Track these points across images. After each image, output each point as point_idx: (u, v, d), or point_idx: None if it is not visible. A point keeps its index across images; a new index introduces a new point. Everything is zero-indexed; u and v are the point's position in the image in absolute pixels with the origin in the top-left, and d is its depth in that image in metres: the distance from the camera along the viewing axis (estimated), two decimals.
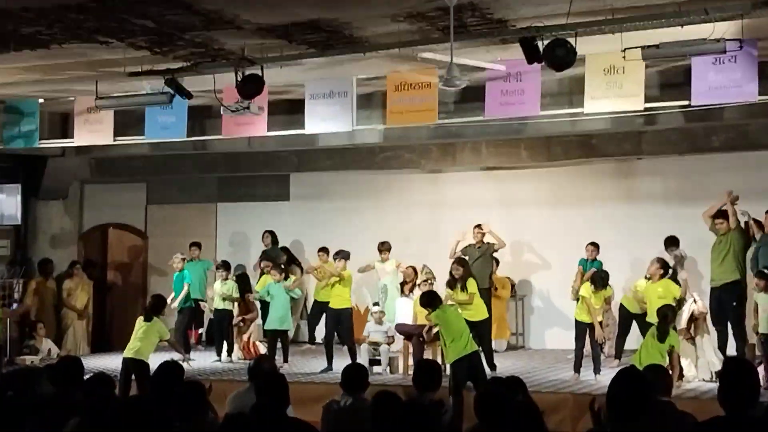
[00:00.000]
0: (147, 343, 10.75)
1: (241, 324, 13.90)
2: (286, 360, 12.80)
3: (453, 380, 9.85)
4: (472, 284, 11.87)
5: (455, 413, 7.94)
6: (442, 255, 14.44)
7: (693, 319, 11.29)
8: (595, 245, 13.28)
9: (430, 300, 10.44)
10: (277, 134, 12.62)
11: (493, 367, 11.80)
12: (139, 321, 10.90)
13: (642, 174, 14.45)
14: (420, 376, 6.90)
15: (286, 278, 13.15)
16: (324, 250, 14.16)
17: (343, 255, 12.85)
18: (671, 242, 12.77)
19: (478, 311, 11.79)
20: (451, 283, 11.91)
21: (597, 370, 11.31)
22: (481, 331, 11.73)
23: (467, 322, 10.86)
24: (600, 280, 11.55)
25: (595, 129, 12.24)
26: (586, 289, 11.51)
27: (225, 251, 16.46)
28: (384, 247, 14.26)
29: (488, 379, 9.43)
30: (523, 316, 15.05)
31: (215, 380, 11.40)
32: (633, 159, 14.19)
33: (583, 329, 11.53)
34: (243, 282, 14.21)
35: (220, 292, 13.81)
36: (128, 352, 10.77)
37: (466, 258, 12.85)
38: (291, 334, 14.15)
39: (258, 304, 13.93)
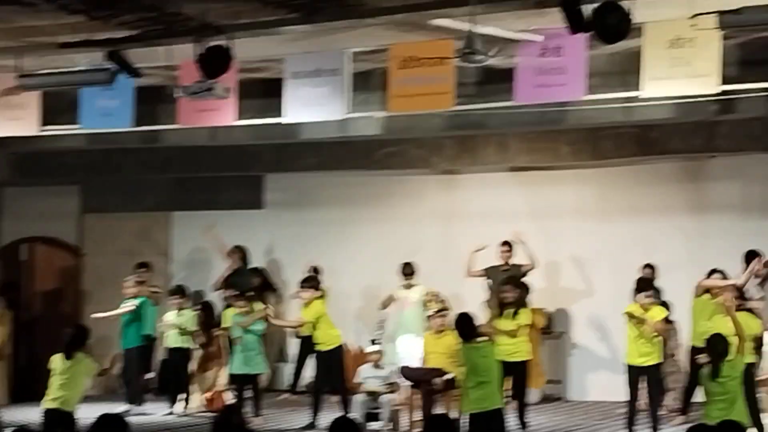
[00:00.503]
0: (74, 389, 10.67)
1: (204, 368, 13.87)
2: (257, 413, 12.72)
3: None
4: (526, 314, 12.09)
5: None
6: (457, 278, 14.40)
7: None
8: (651, 267, 13.24)
9: (466, 326, 10.32)
10: (249, 124, 12.58)
11: (523, 425, 11.74)
12: (58, 360, 10.78)
13: (715, 176, 14.42)
14: None
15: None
16: (315, 271, 14.20)
17: (310, 284, 12.75)
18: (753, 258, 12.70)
19: (521, 350, 11.97)
20: (499, 309, 12.04)
21: (655, 427, 11.23)
22: (519, 375, 11.95)
23: (504, 362, 10.99)
24: (644, 283, 11.70)
25: (656, 118, 12.19)
26: (633, 307, 11.46)
27: (182, 274, 16.42)
28: (408, 270, 14.29)
29: None
30: (561, 359, 15.00)
31: None
32: (704, 157, 14.17)
33: (636, 374, 11.43)
34: (207, 313, 14.13)
35: (173, 325, 13.72)
36: (51, 402, 10.69)
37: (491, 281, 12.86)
38: (265, 379, 14.10)
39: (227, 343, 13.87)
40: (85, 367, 10.82)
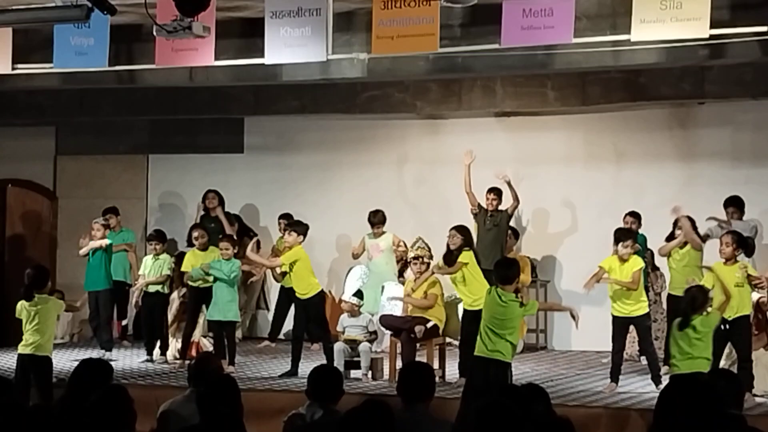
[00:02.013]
0: (46, 334, 10.74)
1: (182, 317, 13.89)
2: (231, 362, 12.79)
3: (467, 386, 9.83)
4: (466, 256, 11.79)
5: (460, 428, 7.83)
6: (443, 226, 14.43)
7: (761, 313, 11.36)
8: (636, 215, 13.34)
9: (503, 270, 10.02)
10: (228, 64, 12.52)
11: None
12: (24, 306, 10.80)
13: (705, 123, 14.48)
14: (406, 383, 6.87)
15: (238, 255, 13.14)
16: (287, 217, 14.17)
17: (296, 228, 12.66)
18: (733, 204, 12.77)
19: (475, 296, 11.56)
20: (446, 256, 12.02)
21: (656, 378, 11.35)
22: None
23: (465, 310, 11.24)
24: (621, 233, 11.72)
25: (645, 63, 12.17)
26: (611, 259, 11.54)
27: (158, 217, 16.43)
28: (377, 219, 14.30)
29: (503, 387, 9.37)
30: None
31: (143, 386, 11.44)
32: (693, 103, 14.22)
33: (621, 325, 11.53)
34: (181, 262, 14.11)
35: (151, 270, 13.72)
36: (25, 348, 10.76)
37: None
38: (242, 328, 14.16)
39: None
40: (52, 306, 10.87)
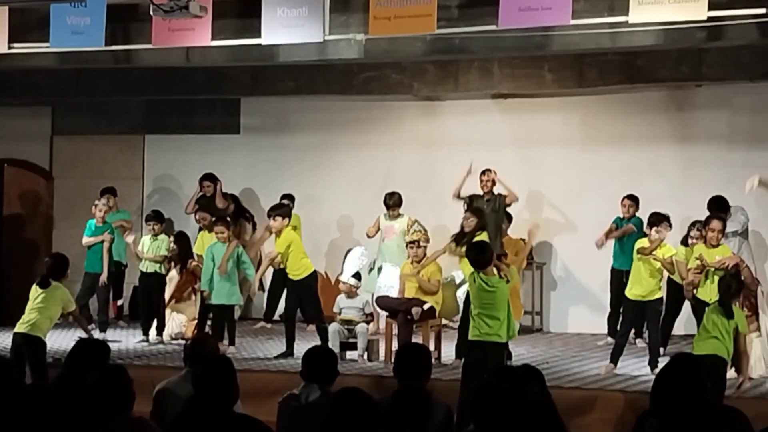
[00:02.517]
0: (45, 316, 10.74)
1: (179, 298, 13.93)
2: (232, 342, 12.82)
3: (465, 368, 9.82)
4: (483, 236, 12.02)
5: (460, 412, 7.85)
6: (436, 206, 14.46)
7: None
8: (633, 199, 13.33)
9: (479, 254, 9.98)
10: (225, 45, 12.49)
11: (509, 355, 11.83)
12: (35, 289, 10.86)
13: (702, 106, 14.48)
14: (402, 364, 6.89)
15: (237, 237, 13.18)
16: (289, 198, 14.23)
17: (279, 212, 12.59)
18: (718, 206, 12.74)
19: None
20: (459, 237, 12.15)
21: (653, 362, 11.36)
22: None
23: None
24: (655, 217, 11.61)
25: (642, 45, 12.15)
26: (645, 242, 11.51)
27: (155, 198, 16.42)
28: (393, 201, 14.27)
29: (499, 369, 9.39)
30: (541, 291, 15.12)
31: (139, 366, 11.46)
32: (691, 86, 14.21)
33: (636, 309, 11.52)
34: (182, 242, 14.12)
35: (149, 250, 13.73)
36: (20, 326, 10.78)
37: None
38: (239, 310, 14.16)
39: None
40: (61, 297, 10.86)
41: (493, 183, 13.86)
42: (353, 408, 5.28)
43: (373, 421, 5.21)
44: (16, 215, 17.17)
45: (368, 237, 14.42)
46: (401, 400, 5.91)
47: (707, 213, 12.23)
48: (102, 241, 13.97)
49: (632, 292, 11.52)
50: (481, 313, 9.71)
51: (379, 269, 13.97)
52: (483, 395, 5.63)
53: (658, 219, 11.61)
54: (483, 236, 12.09)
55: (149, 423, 6.05)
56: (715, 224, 11.27)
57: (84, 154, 16.83)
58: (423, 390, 6.26)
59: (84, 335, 11.31)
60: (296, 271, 12.48)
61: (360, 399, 5.44)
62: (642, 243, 11.56)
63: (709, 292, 10.84)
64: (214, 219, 13.74)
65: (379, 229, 14.39)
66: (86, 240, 14.01)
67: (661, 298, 11.57)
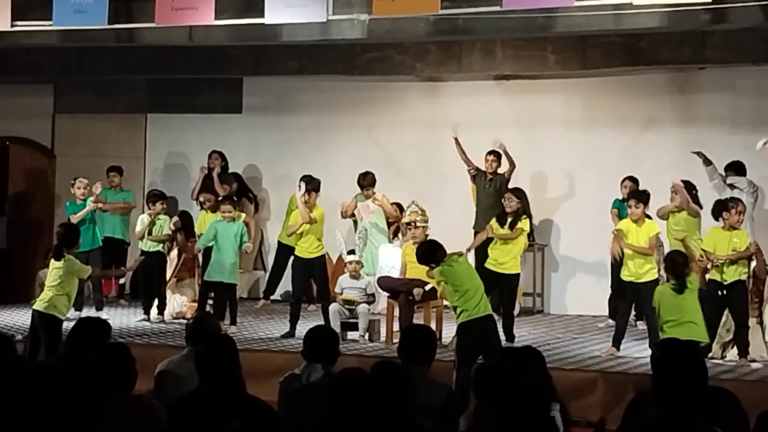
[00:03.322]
0: (61, 293, 10.66)
1: (180, 276, 13.94)
2: (233, 321, 12.83)
3: (458, 349, 9.84)
4: (525, 223, 12.33)
5: (459, 394, 7.92)
6: (438, 187, 14.45)
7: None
8: (634, 180, 13.31)
9: (430, 253, 10.26)
10: (228, 24, 12.46)
11: (511, 337, 11.94)
12: (52, 264, 10.83)
13: (705, 89, 14.47)
14: (407, 345, 6.90)
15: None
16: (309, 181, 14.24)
17: (313, 186, 12.71)
18: (733, 169, 12.79)
19: (512, 262, 12.24)
20: (500, 218, 12.40)
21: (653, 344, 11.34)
22: (507, 287, 12.27)
23: (495, 273, 11.64)
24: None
25: (646, 27, 12.11)
26: (626, 223, 11.51)
27: (157, 178, 16.43)
28: (366, 181, 14.25)
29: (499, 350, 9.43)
30: (543, 272, 15.13)
31: (140, 345, 11.47)
32: (694, 69, 14.19)
33: (630, 290, 11.48)
34: (184, 221, 14.11)
35: (153, 230, 13.71)
36: (38, 303, 10.76)
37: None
38: (243, 288, 14.21)
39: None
40: (77, 269, 10.81)
41: (498, 164, 13.90)
42: (355, 389, 5.27)
43: (374, 401, 5.20)
44: (20, 193, 17.18)
45: (342, 216, 14.38)
46: (379, 375, 5.89)
47: (713, 194, 12.27)
48: (92, 212, 13.82)
49: (624, 273, 11.50)
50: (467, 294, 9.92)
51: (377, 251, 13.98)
52: (487, 374, 5.64)
53: (631, 196, 11.70)
54: (525, 223, 12.34)
55: (151, 401, 6.06)
56: (741, 206, 11.26)
57: (86, 133, 16.82)
58: (399, 366, 6.24)
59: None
60: (313, 251, 12.50)
61: (362, 380, 5.43)
62: (620, 225, 11.57)
63: (722, 273, 10.84)
64: (219, 198, 13.76)
65: (355, 208, 14.41)
66: (74, 217, 13.79)
67: (657, 280, 11.45)
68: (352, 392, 5.27)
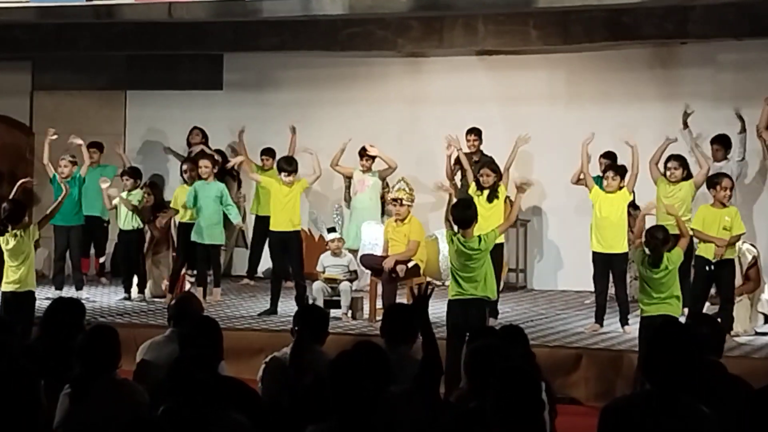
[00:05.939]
0: (28, 266, 10.60)
1: (156, 251, 13.90)
2: (217, 284, 13.07)
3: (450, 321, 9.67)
4: (502, 190, 11.81)
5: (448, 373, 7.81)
6: (423, 166, 14.45)
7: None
8: (609, 156, 13.29)
9: (468, 208, 9.81)
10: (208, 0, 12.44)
11: (494, 313, 11.73)
12: (3, 243, 10.70)
13: (687, 63, 14.47)
14: (390, 324, 6.88)
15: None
16: (269, 152, 14.28)
17: (293, 169, 12.70)
18: (719, 142, 12.84)
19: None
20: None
21: (624, 319, 11.37)
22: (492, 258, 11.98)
23: None
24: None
25: (628, 2, 12.19)
26: (596, 192, 11.51)
27: (137, 156, 16.37)
28: (368, 153, 14.25)
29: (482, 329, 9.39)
30: (525, 248, 15.16)
31: (122, 324, 11.44)
32: (675, 43, 14.19)
33: (602, 262, 11.50)
34: (154, 192, 14.04)
35: (121, 204, 13.67)
36: (7, 285, 10.65)
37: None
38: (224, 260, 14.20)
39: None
40: (30, 234, 10.68)
41: (480, 141, 13.88)
42: (369, 361, 5.05)
43: (387, 374, 5.02)
44: None
45: (331, 165, 14.26)
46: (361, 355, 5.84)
47: (695, 168, 12.28)
48: (79, 188, 13.74)
49: (594, 243, 11.50)
50: (460, 274, 9.62)
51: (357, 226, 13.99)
52: (480, 356, 5.65)
53: (610, 168, 11.77)
54: (502, 191, 11.85)
55: (134, 385, 6.05)
56: (727, 182, 11.13)
57: (65, 110, 16.72)
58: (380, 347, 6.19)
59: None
60: (291, 224, 12.46)
61: (377, 352, 5.23)
62: (592, 194, 11.60)
63: (711, 250, 10.83)
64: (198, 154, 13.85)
65: (350, 175, 14.45)
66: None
67: (626, 254, 11.49)
68: (366, 365, 5.04)
